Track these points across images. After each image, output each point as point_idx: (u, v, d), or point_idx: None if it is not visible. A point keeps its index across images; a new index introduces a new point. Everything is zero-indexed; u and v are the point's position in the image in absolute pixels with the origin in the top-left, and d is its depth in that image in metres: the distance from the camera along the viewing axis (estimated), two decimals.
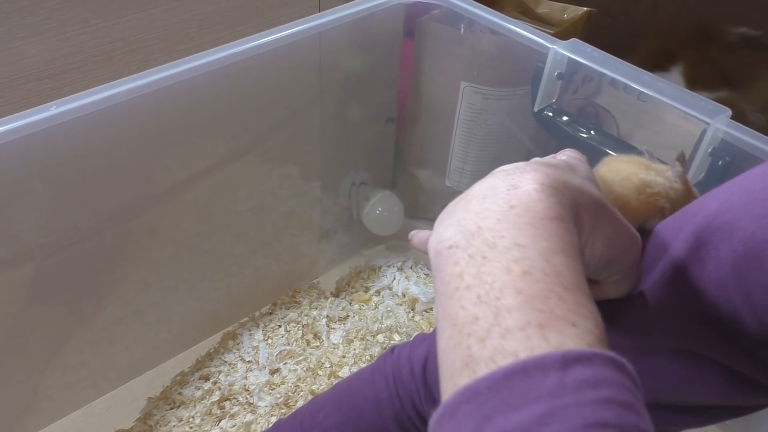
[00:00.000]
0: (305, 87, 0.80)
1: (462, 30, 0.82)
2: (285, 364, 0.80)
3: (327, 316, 0.85)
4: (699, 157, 0.64)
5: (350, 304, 0.88)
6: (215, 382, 0.79)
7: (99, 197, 0.67)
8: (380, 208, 0.94)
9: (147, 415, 0.77)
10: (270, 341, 0.83)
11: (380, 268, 0.93)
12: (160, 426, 0.75)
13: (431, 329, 0.79)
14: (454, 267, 0.31)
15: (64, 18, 0.60)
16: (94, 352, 0.76)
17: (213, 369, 0.80)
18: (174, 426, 0.75)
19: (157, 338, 0.81)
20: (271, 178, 0.83)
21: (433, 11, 0.83)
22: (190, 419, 0.75)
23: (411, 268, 0.93)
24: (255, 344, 0.82)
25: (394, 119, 0.95)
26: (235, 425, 0.75)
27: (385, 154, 0.98)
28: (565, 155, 0.41)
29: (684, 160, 0.45)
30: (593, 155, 0.71)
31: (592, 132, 0.70)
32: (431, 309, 0.88)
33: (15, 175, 0.60)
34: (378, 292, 0.89)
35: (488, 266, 0.30)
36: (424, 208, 1.01)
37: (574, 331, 0.28)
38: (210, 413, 0.76)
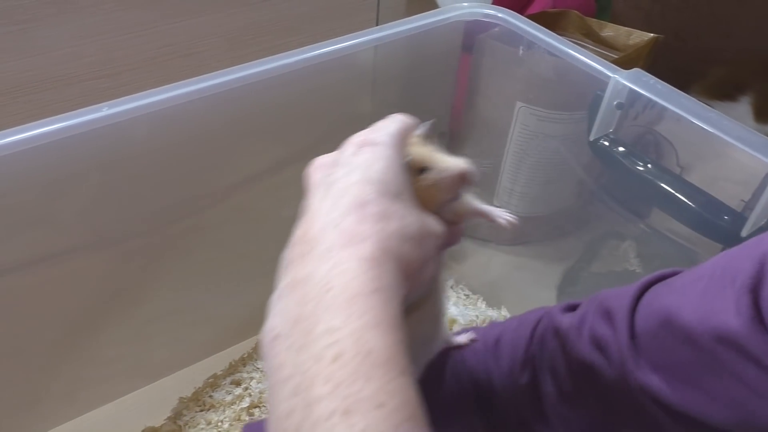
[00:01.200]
0: (358, 98, 0.80)
1: (521, 51, 0.80)
2: None
3: None
4: (763, 201, 0.61)
5: None
6: (246, 388, 0.79)
7: (147, 196, 0.68)
8: None
9: (177, 415, 0.77)
10: None
11: None
12: (189, 427, 0.76)
13: None
14: (275, 358, 0.31)
15: (123, 20, 0.61)
16: (130, 347, 0.78)
17: (245, 374, 0.80)
18: (203, 428, 0.76)
19: (192, 338, 0.82)
20: None
21: (493, 29, 0.82)
22: (219, 423, 0.76)
23: (451, 287, 0.91)
24: None
25: (446, 134, 0.94)
26: None
27: None
28: (363, 142, 0.40)
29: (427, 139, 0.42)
30: (648, 190, 0.68)
31: (648, 165, 0.67)
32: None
33: (65, 172, 0.61)
34: None
35: (304, 356, 0.30)
36: (470, 227, 0.99)
37: (380, 413, 0.28)
38: (239, 419, 0.76)
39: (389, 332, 0.31)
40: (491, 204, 0.97)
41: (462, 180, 0.41)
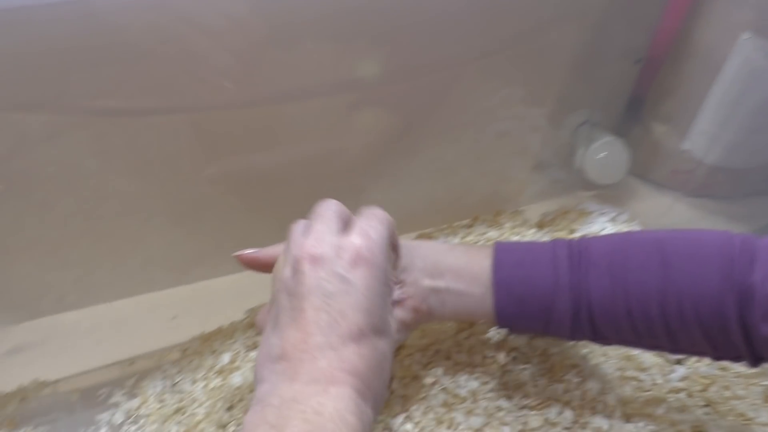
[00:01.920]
0: (563, 2, 0.72)
1: None
2: None
3: None
4: None
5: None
6: None
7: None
8: (604, 153, 0.85)
9: None
10: None
11: (591, 213, 0.85)
12: None
13: None
14: (257, 415, 0.39)
15: None
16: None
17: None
18: None
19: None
20: (495, 93, 0.78)
21: None
22: None
23: (625, 222, 0.84)
24: None
25: (643, 60, 0.85)
26: None
27: (625, 97, 0.88)
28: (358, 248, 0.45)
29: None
30: None
31: None
32: None
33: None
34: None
35: (287, 411, 0.38)
36: (650, 167, 0.91)
37: None
38: None
39: (357, 419, 0.39)
40: (679, 147, 0.88)
41: None
